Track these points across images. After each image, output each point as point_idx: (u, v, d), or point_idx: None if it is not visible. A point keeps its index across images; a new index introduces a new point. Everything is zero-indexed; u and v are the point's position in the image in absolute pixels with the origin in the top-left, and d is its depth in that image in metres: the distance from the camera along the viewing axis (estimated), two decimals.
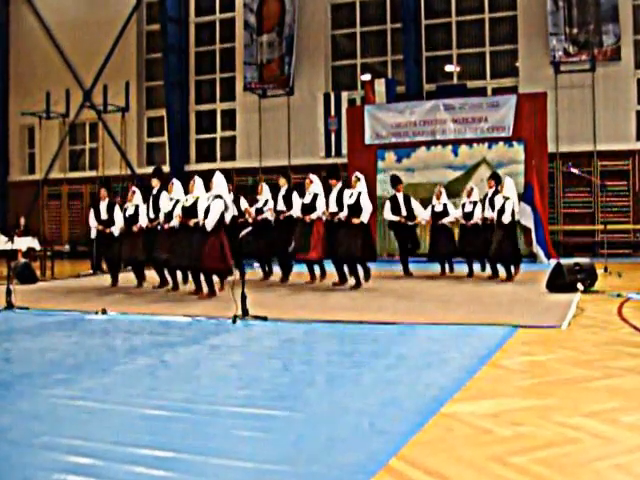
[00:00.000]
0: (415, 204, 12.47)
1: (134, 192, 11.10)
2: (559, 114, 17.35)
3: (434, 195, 12.55)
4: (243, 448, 3.18)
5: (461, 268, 12.37)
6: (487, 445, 3.16)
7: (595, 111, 17.27)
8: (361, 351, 5.56)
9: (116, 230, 11.09)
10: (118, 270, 11.40)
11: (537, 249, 14.30)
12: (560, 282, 9.15)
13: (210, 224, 9.14)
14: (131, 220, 10.86)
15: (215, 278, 9.68)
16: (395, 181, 12.64)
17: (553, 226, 16.78)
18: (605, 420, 3.51)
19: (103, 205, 11.30)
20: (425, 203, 12.88)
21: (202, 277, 9.63)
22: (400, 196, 12.41)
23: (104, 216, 11.22)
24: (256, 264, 12.08)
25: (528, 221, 14.14)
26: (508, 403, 3.88)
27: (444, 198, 12.43)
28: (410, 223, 12.31)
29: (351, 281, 10.41)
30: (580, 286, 8.98)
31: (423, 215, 12.47)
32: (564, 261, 9.76)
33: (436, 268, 12.52)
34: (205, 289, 9.59)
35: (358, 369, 4.88)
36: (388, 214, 12.39)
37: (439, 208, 12.33)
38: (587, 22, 17.21)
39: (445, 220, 12.25)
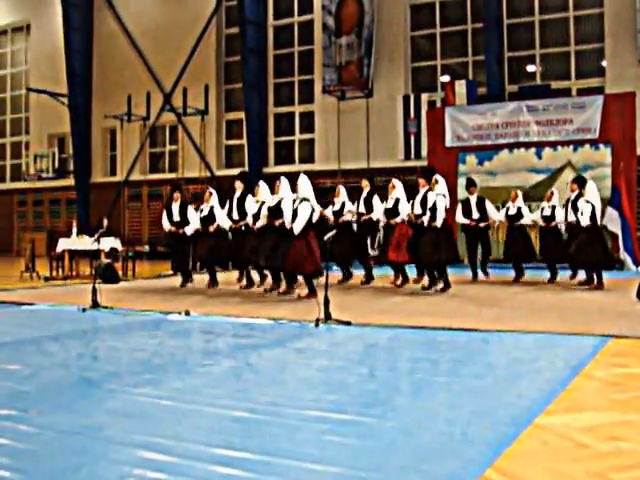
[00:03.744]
0: (489, 206, 12.32)
1: (211, 193, 11.32)
2: None
3: (510, 198, 12.39)
4: (333, 454, 3.14)
5: (537, 274, 12.18)
6: (586, 460, 3.04)
7: None
8: (448, 358, 5.46)
9: (189, 230, 11.29)
10: (188, 270, 11.62)
11: (624, 256, 13.85)
12: None
13: (298, 228, 9.25)
14: (206, 221, 11.04)
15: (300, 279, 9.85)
16: (469, 183, 12.61)
17: None
18: None
19: (175, 207, 11.53)
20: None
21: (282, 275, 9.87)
22: (473, 199, 12.29)
23: (176, 217, 11.45)
24: (335, 267, 12.08)
25: (615, 226, 13.73)
26: (605, 417, 3.73)
27: (519, 201, 12.26)
28: (482, 225, 12.14)
29: (439, 285, 10.39)
30: None
31: (497, 217, 12.33)
32: None
33: (510, 274, 12.31)
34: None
35: (446, 377, 4.80)
36: (459, 217, 12.26)
37: (513, 211, 12.17)
38: None
39: (522, 221, 12.05)
